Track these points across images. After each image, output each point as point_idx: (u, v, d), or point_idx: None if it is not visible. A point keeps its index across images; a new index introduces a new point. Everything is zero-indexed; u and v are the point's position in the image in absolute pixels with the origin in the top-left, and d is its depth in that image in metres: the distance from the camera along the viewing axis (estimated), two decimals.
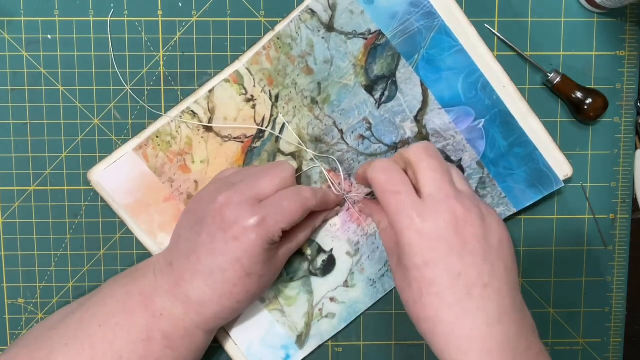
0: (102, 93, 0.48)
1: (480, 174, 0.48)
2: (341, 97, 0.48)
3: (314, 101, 0.48)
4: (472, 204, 0.39)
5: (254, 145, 0.48)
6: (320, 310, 0.50)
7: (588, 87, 0.48)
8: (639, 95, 0.50)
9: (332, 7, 0.47)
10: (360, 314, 0.50)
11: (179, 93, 0.48)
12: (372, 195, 0.49)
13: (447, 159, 0.48)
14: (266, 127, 0.48)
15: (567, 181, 0.49)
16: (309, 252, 0.49)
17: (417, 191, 0.40)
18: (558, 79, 0.48)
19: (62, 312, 0.45)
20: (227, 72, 0.47)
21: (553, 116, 0.49)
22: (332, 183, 0.49)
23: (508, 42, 0.48)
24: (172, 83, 0.48)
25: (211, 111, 0.48)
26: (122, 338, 0.42)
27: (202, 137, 0.48)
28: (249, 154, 0.48)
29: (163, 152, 0.48)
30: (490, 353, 0.37)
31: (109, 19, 0.48)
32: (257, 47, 0.47)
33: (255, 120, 0.48)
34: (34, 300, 0.50)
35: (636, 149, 0.50)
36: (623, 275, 0.51)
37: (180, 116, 0.47)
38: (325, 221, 0.49)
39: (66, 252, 0.49)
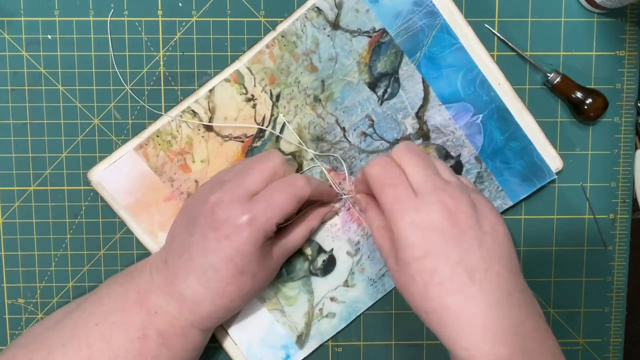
0: (102, 93, 0.48)
1: (478, 169, 0.49)
2: (344, 95, 0.48)
3: (316, 99, 0.48)
4: (461, 193, 0.39)
5: (255, 144, 0.48)
6: (321, 310, 0.50)
7: (588, 87, 0.48)
8: (639, 95, 0.50)
9: (339, 6, 0.47)
10: (360, 314, 0.50)
11: (179, 93, 0.48)
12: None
13: (447, 154, 0.49)
14: (266, 127, 0.48)
15: (566, 181, 0.49)
16: (309, 252, 0.49)
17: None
18: (558, 79, 0.48)
19: (60, 311, 0.45)
20: (228, 71, 0.48)
21: (553, 116, 0.49)
22: (332, 183, 0.49)
23: (508, 42, 0.48)
24: (172, 83, 0.48)
25: (211, 111, 0.48)
26: (119, 336, 0.42)
27: (202, 137, 0.48)
28: (249, 154, 0.48)
29: (163, 152, 0.48)
30: (498, 336, 0.37)
31: (109, 19, 0.48)
32: (259, 46, 0.47)
33: (255, 120, 0.48)
34: (34, 300, 0.50)
35: (636, 149, 0.50)
36: (623, 275, 0.51)
37: (181, 115, 0.47)
38: (323, 222, 0.49)
39: (66, 252, 0.49)
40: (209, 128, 0.48)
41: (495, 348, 0.37)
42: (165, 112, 0.48)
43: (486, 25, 0.48)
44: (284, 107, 0.48)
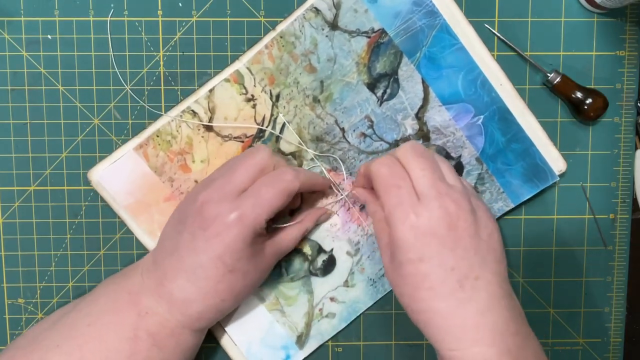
0: (102, 93, 0.48)
1: (479, 170, 0.48)
2: (343, 95, 0.48)
3: (315, 99, 0.48)
4: (463, 199, 0.40)
5: (255, 145, 0.48)
6: (321, 310, 0.50)
7: (588, 87, 0.48)
8: (639, 95, 0.50)
9: (337, 6, 0.47)
10: (360, 314, 0.50)
11: (179, 93, 0.48)
12: None
13: (447, 155, 0.48)
14: (266, 127, 0.48)
15: (566, 181, 0.49)
16: (309, 252, 0.49)
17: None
18: (558, 79, 0.48)
19: (59, 312, 0.45)
20: (228, 71, 0.48)
21: (553, 116, 0.49)
22: (332, 183, 0.49)
23: (508, 42, 0.48)
24: (172, 83, 0.48)
25: (211, 111, 0.48)
26: (111, 337, 0.42)
27: (202, 137, 0.48)
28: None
29: (163, 152, 0.48)
30: (483, 340, 0.38)
31: (109, 19, 0.48)
32: (258, 47, 0.47)
33: (255, 120, 0.48)
34: (34, 300, 0.50)
35: (636, 149, 0.50)
36: (623, 275, 0.51)
37: (181, 116, 0.47)
38: (317, 224, 0.49)
39: (66, 252, 0.49)
40: (209, 128, 0.48)
41: (482, 350, 0.38)
42: (165, 112, 0.48)
43: (486, 25, 0.48)
44: (284, 107, 0.48)
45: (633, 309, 0.52)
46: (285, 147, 0.49)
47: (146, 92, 0.48)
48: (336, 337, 0.50)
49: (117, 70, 0.48)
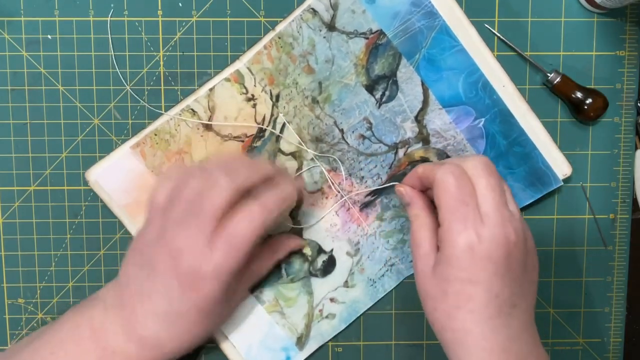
0: (102, 93, 0.48)
1: None
2: (342, 97, 0.48)
3: (314, 100, 0.48)
4: (521, 228, 0.40)
5: (255, 144, 0.48)
6: (321, 311, 0.50)
7: (588, 87, 0.48)
8: (639, 95, 0.50)
9: (334, 7, 0.47)
10: (361, 314, 0.50)
11: (179, 93, 0.48)
12: (371, 195, 0.49)
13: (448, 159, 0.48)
14: (267, 127, 0.48)
15: (566, 181, 0.49)
16: (309, 252, 0.49)
17: None
18: (558, 79, 0.48)
19: (26, 339, 0.44)
20: (228, 71, 0.47)
21: (553, 116, 0.49)
22: (332, 183, 0.49)
23: (508, 42, 0.48)
24: (172, 83, 0.48)
25: (211, 110, 0.48)
26: None
27: (201, 136, 0.48)
28: (249, 154, 0.48)
29: (161, 151, 0.48)
30: None
31: (109, 18, 0.48)
32: (258, 47, 0.47)
33: (255, 120, 0.48)
34: (34, 300, 0.50)
35: (636, 149, 0.50)
36: (623, 275, 0.51)
37: (180, 114, 0.47)
38: (291, 254, 0.48)
39: (66, 252, 0.49)
40: (208, 127, 0.48)
41: None
42: (165, 112, 0.48)
43: (486, 25, 0.48)
44: (284, 107, 0.48)
45: (633, 309, 0.52)
46: (285, 147, 0.48)
47: (146, 92, 0.48)
48: (336, 337, 0.50)
49: (117, 70, 0.48)
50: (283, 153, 0.48)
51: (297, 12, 0.47)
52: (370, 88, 0.48)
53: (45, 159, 0.49)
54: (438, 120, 0.48)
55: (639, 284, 0.51)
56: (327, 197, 0.49)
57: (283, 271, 0.49)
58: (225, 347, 0.49)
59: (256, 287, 0.49)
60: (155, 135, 0.48)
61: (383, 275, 0.50)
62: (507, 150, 0.48)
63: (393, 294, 0.50)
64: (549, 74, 0.48)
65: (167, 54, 0.48)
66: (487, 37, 0.48)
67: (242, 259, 0.39)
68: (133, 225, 0.48)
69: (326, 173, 0.49)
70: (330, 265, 0.49)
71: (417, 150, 0.49)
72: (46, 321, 0.50)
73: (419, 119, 0.48)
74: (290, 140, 0.48)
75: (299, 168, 0.49)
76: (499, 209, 0.39)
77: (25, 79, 0.48)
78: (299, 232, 0.49)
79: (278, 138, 0.48)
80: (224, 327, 0.49)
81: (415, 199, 0.44)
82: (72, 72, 0.48)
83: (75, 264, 0.49)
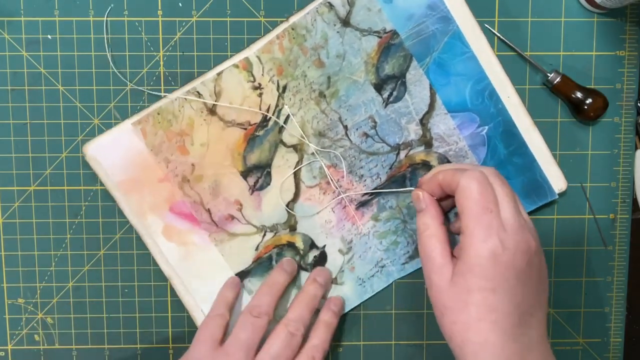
0: (102, 93, 0.48)
1: None
2: (349, 93, 0.48)
3: (321, 94, 0.48)
4: (537, 236, 0.40)
5: (257, 133, 0.48)
6: None
7: (588, 87, 0.48)
8: (639, 95, 0.50)
9: (351, 3, 0.47)
10: (347, 312, 0.50)
11: None
12: (368, 195, 0.49)
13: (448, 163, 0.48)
14: (271, 116, 0.48)
15: (561, 194, 0.49)
16: (301, 246, 0.49)
17: None
18: (558, 79, 0.48)
19: None
20: (237, 57, 0.47)
21: (553, 116, 0.49)
22: (331, 179, 0.49)
23: (508, 42, 0.48)
24: (172, 83, 0.48)
25: (217, 94, 0.47)
26: None
27: (204, 120, 0.48)
28: (251, 142, 0.48)
29: (162, 131, 0.48)
30: None
31: (105, 18, 0.48)
32: (270, 36, 0.47)
33: (260, 109, 0.48)
34: (34, 300, 0.50)
35: (636, 149, 0.50)
36: (623, 275, 0.51)
37: (185, 98, 0.47)
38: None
39: (66, 252, 0.49)
40: (212, 112, 0.48)
41: None
42: (168, 95, 0.48)
43: (486, 25, 0.48)
44: (290, 99, 0.48)
45: (633, 309, 0.52)
46: (287, 139, 0.48)
47: (146, 92, 0.48)
48: (336, 337, 0.50)
49: (116, 70, 0.48)
50: (285, 145, 0.48)
51: (314, 4, 0.47)
52: (378, 87, 0.48)
53: (45, 159, 0.49)
54: (442, 124, 0.48)
55: (639, 284, 0.51)
56: (324, 193, 0.49)
57: (273, 262, 0.49)
58: None
59: (245, 276, 0.49)
60: (158, 114, 0.47)
61: (373, 276, 0.50)
62: (506, 159, 0.48)
63: (393, 294, 0.50)
64: (549, 74, 0.48)
65: (167, 54, 0.48)
66: (487, 37, 0.48)
67: None
68: (127, 204, 0.48)
69: (326, 169, 0.49)
70: (321, 260, 0.49)
71: (418, 153, 0.49)
72: (46, 321, 0.50)
73: (423, 122, 0.48)
74: (292, 133, 0.48)
75: (300, 161, 0.49)
76: (517, 216, 0.39)
77: (25, 79, 0.48)
78: (294, 226, 0.49)
79: (281, 129, 0.48)
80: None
81: (430, 206, 0.42)
82: (72, 72, 0.48)
83: (75, 264, 0.49)
